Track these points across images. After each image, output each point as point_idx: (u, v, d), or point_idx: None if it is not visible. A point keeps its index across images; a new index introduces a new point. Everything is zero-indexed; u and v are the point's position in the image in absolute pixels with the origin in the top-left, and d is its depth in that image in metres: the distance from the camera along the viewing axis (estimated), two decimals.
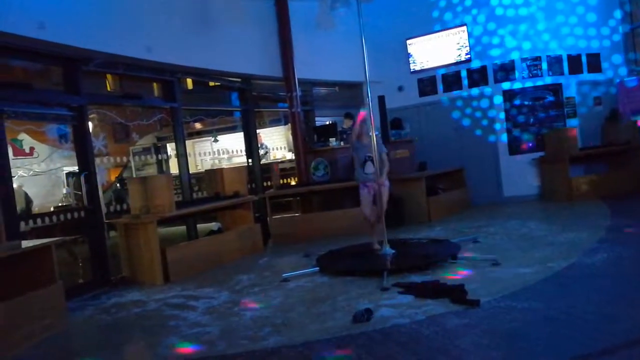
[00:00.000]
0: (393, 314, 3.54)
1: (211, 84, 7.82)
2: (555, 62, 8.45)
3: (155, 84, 6.88)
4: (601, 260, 4.30)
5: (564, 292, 3.64)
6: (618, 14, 8.67)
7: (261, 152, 9.10)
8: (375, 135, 5.39)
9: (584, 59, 8.50)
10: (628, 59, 8.72)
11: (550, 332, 2.93)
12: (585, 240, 5.09)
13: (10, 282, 4.10)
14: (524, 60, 8.47)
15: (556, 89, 8.48)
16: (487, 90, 8.73)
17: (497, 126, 8.69)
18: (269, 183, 8.43)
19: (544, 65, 8.44)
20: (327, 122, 8.83)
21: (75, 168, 5.75)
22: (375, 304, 3.77)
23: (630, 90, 8.52)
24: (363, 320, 3.42)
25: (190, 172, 7.18)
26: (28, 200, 6.43)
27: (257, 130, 9.84)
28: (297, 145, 8.15)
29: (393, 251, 5.19)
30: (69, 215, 5.44)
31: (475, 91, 8.84)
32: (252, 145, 8.24)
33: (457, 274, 4.38)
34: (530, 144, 8.53)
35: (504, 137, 8.66)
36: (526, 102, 8.55)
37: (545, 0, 8.39)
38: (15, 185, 6.31)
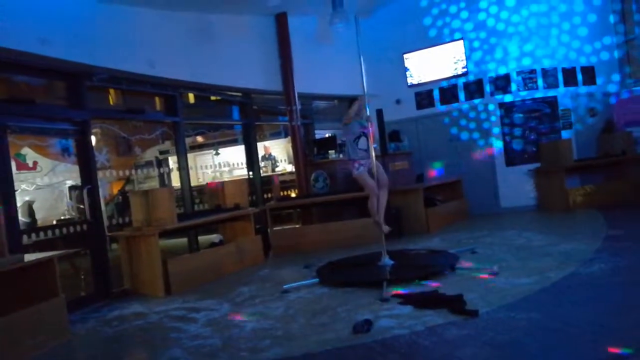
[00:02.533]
0: (393, 324, 3.56)
1: (212, 98, 7.92)
2: (550, 75, 8.57)
3: (157, 99, 6.97)
4: (598, 271, 4.33)
5: (562, 302, 3.67)
6: (611, 27, 8.82)
7: (262, 163, 9.17)
8: (374, 147, 5.46)
9: (578, 71, 8.63)
10: (622, 71, 8.85)
11: (548, 343, 2.95)
12: (583, 250, 5.13)
13: (12, 296, 4.12)
14: (519, 73, 8.59)
15: (551, 101, 8.59)
16: (483, 102, 8.84)
17: (494, 138, 8.79)
18: (269, 195, 8.49)
19: (539, 78, 8.56)
20: (327, 135, 8.94)
21: (79, 181, 5.80)
22: (375, 314, 3.80)
23: (624, 102, 8.64)
24: (363, 331, 3.44)
25: (191, 184, 7.24)
26: (32, 215, 6.48)
27: (264, 142, 9.99)
28: (297, 157, 8.24)
29: (392, 262, 5.23)
30: (71, 229, 5.49)
31: (471, 104, 8.96)
32: (252, 158, 8.32)
33: (455, 284, 4.42)
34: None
35: (501, 149, 8.75)
36: (522, 115, 8.65)
37: (540, 14, 8.54)
38: (27, 198, 6.37)
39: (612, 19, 8.83)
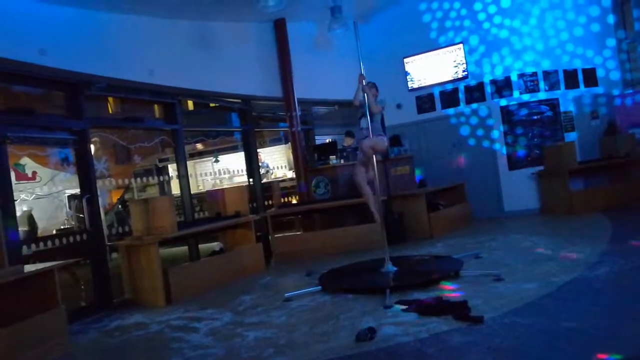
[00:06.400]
0: (397, 332, 3.52)
1: (211, 105, 7.91)
2: (551, 78, 8.54)
3: (156, 107, 6.97)
4: (604, 274, 4.29)
5: (567, 307, 3.62)
6: (612, 28, 8.81)
7: (262, 171, 9.16)
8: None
9: (580, 73, 8.61)
10: (623, 73, 8.83)
11: (554, 348, 2.91)
12: (587, 254, 5.08)
13: (12, 307, 4.09)
14: (520, 76, 8.57)
15: (553, 103, 8.56)
16: (484, 106, 8.81)
17: (496, 142, 8.75)
18: (270, 202, 8.46)
19: (541, 81, 8.53)
20: (327, 141, 8.92)
21: (78, 191, 5.78)
22: (379, 322, 3.76)
23: (627, 104, 8.61)
24: (366, 339, 3.40)
25: (191, 192, 7.21)
26: (33, 225, 6.46)
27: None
28: (298, 163, 8.21)
29: (395, 268, 5.18)
30: (71, 239, 5.46)
31: (472, 107, 8.92)
32: (252, 165, 8.30)
33: (460, 291, 4.37)
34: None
35: (503, 153, 8.71)
36: (524, 118, 8.62)
37: (541, 16, 8.53)
38: (24, 208, 6.35)
39: (612, 20, 8.81)
